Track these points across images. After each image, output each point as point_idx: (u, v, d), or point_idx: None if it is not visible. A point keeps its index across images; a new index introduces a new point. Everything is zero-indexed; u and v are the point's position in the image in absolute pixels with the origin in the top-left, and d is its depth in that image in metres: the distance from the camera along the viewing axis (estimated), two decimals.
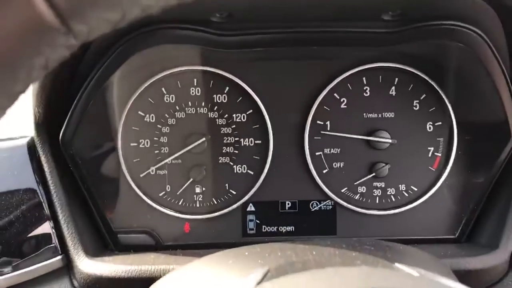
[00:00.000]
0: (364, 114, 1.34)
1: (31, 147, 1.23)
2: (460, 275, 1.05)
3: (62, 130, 1.20)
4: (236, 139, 1.34)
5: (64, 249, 1.18)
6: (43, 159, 1.21)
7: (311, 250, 0.79)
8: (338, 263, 0.68)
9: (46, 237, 1.19)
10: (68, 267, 1.19)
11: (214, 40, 1.22)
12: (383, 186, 1.35)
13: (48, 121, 1.22)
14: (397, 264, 0.70)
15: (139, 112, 1.32)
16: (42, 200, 1.19)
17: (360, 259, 0.71)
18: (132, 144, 1.32)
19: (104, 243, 1.30)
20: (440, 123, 1.34)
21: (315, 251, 0.78)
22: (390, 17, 1.15)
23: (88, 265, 1.13)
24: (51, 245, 1.18)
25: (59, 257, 1.17)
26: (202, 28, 1.19)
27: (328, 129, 1.34)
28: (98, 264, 1.13)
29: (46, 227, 1.19)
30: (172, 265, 1.09)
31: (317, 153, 1.34)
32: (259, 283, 0.63)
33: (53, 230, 1.18)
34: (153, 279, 1.08)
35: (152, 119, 1.32)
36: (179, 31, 1.19)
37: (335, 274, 0.55)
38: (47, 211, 1.18)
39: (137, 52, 1.20)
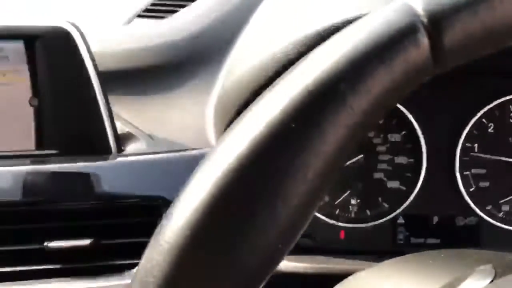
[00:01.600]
0: (510, 138, 1.46)
1: None
2: None
3: None
4: (390, 157, 1.48)
5: None
6: None
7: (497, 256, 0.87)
8: None
9: None
10: None
11: None
12: None
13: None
14: None
15: None
16: None
17: None
18: None
19: None
20: None
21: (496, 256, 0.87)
22: None
23: None
24: None
25: None
26: None
27: (476, 151, 1.47)
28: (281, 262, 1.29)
29: None
30: (355, 266, 1.24)
31: (465, 173, 1.47)
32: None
33: None
34: (337, 276, 1.23)
35: None
36: None
37: None
38: None
39: None
